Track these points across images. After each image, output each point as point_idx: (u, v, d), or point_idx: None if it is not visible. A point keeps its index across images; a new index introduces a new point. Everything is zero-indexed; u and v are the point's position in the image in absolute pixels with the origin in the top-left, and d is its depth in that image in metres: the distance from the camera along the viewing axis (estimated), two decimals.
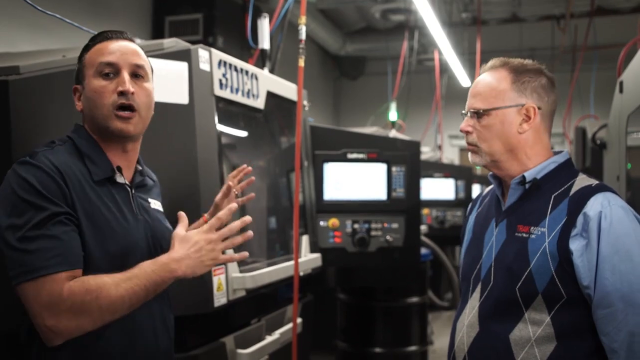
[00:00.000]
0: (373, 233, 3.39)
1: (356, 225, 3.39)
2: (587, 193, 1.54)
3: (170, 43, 2.20)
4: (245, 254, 1.70)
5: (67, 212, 1.44)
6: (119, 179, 1.60)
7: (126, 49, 1.60)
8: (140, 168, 1.70)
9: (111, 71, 1.57)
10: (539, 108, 1.65)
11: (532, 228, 1.58)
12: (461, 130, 1.71)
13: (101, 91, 1.55)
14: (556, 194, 1.59)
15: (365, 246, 3.37)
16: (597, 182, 1.59)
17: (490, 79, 1.68)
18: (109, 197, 1.55)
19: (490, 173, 1.77)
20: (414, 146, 3.62)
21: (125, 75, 1.57)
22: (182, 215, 1.67)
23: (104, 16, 4.72)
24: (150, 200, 1.71)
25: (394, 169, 3.48)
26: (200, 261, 1.55)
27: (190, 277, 1.56)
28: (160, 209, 1.76)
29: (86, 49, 1.63)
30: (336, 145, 3.43)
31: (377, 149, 3.47)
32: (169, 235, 1.65)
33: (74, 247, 1.43)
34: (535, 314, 1.54)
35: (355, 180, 3.45)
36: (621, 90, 2.59)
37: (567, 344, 1.52)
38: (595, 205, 1.51)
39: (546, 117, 1.68)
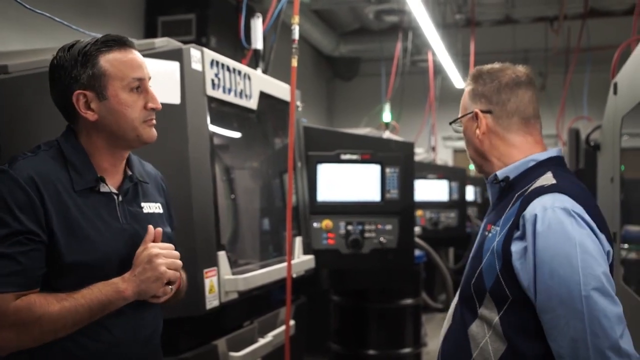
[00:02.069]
0: (367, 234, 3.38)
1: (350, 227, 3.37)
2: (536, 193, 1.51)
3: (162, 42, 2.18)
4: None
5: (29, 230, 1.42)
6: (103, 189, 1.57)
7: (143, 62, 1.62)
8: (130, 173, 1.66)
9: (139, 85, 1.59)
10: (488, 112, 1.66)
11: (492, 227, 1.60)
12: None
13: (133, 106, 1.57)
14: (519, 193, 1.57)
15: (359, 248, 3.36)
16: (555, 182, 1.53)
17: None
18: (90, 207, 1.53)
19: None
20: (408, 147, 3.61)
21: (153, 92, 1.61)
22: (147, 234, 1.61)
23: (95, 16, 4.68)
24: (143, 204, 1.67)
25: (387, 170, 3.46)
26: (146, 277, 1.53)
27: (144, 298, 1.55)
28: (159, 210, 1.73)
29: (97, 53, 1.54)
30: (329, 146, 3.42)
31: (370, 150, 3.45)
32: (166, 239, 1.64)
33: (29, 269, 1.42)
34: (487, 312, 1.56)
35: (348, 182, 3.44)
36: (615, 92, 2.59)
37: (517, 346, 1.50)
38: (535, 207, 1.47)
39: (505, 117, 1.65)
